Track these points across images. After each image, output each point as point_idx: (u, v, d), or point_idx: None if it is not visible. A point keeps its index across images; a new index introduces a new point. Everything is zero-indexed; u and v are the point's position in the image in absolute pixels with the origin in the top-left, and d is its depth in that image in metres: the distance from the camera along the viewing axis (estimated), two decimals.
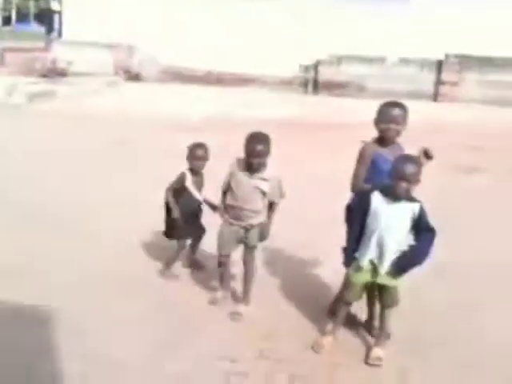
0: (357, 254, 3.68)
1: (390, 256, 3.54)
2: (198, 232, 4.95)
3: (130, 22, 17.40)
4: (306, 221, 6.18)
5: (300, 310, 4.33)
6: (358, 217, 3.66)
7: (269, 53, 17.21)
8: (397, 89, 16.28)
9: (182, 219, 4.65)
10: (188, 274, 4.89)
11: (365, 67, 16.87)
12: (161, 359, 3.62)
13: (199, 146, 4.69)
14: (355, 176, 3.83)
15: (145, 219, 5.71)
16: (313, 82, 17.25)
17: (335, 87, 17.02)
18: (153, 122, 11.72)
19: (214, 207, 4.64)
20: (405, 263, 3.55)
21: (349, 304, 3.84)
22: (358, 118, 13.08)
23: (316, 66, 17.21)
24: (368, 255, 3.60)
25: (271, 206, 4.21)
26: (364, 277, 3.67)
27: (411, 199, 3.51)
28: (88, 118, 11.91)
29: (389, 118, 3.76)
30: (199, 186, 4.80)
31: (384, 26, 15.72)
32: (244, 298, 4.37)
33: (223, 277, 4.45)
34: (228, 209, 4.22)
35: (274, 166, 4.17)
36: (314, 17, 16.77)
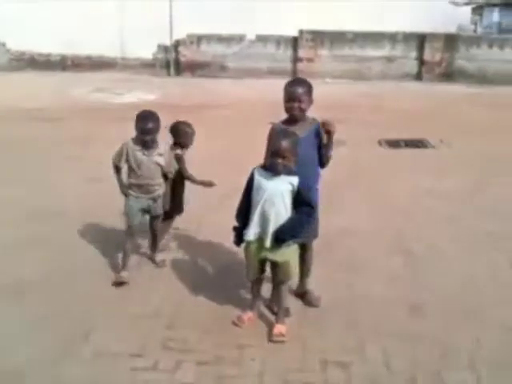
0: (245, 231, 3.77)
1: (273, 229, 3.66)
2: None
3: None
4: (204, 198, 6.18)
5: (201, 293, 4.35)
6: (244, 194, 3.80)
7: (127, 35, 16.76)
8: (257, 67, 16.64)
9: None
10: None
11: (224, 46, 16.98)
12: (60, 362, 3.49)
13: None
14: (266, 157, 3.88)
15: None
16: (174, 64, 17.03)
17: (197, 67, 16.97)
18: (7, 114, 10.96)
19: None
20: (281, 234, 3.67)
21: (251, 281, 3.95)
22: (220, 97, 13.35)
23: (176, 47, 17.01)
24: (252, 228, 3.72)
25: (166, 178, 4.61)
26: (254, 252, 3.78)
27: (290, 173, 3.65)
28: None
29: (290, 96, 3.86)
30: None
31: (242, 5, 15.86)
32: (154, 248, 4.88)
33: (127, 253, 4.65)
34: (131, 186, 4.51)
35: None
36: None
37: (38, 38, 16.19)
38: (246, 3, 15.57)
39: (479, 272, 4.85)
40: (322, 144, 3.94)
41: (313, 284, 4.35)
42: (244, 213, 3.79)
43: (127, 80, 15.44)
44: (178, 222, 5.26)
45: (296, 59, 16.97)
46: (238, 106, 12.07)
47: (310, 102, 3.95)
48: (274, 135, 3.71)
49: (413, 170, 7.85)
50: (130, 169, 4.46)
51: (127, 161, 4.43)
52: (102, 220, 5.74)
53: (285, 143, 3.57)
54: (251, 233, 3.73)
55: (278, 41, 16.92)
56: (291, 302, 4.16)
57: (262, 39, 16.91)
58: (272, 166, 3.63)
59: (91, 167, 7.39)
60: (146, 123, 4.30)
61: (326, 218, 5.53)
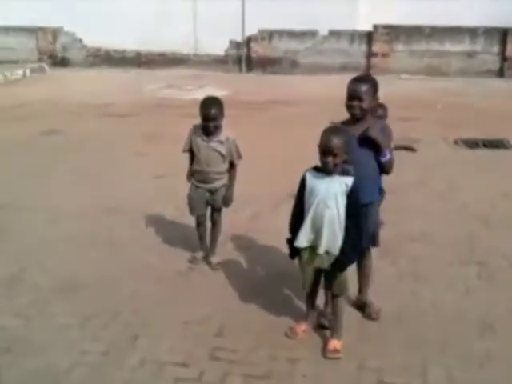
0: (297, 238, 3.52)
1: (326, 234, 3.39)
2: None
3: (53, 5, 16.52)
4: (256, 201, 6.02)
5: (254, 300, 4.14)
6: (297, 199, 3.57)
7: (200, 31, 16.78)
8: (329, 63, 16.25)
9: None
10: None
11: (296, 42, 16.67)
12: (104, 366, 3.38)
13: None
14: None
15: None
16: (246, 60, 16.89)
17: (268, 64, 16.76)
18: (82, 109, 11.17)
19: None
20: (338, 265, 3.45)
21: (307, 291, 3.71)
22: (291, 94, 13.08)
23: (247, 43, 16.86)
24: (304, 234, 3.47)
25: (231, 168, 4.56)
26: (307, 261, 3.52)
27: (346, 173, 3.39)
28: (11, 108, 11.24)
29: (351, 94, 3.63)
30: None
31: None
32: (211, 250, 4.79)
33: (202, 236, 4.81)
34: (194, 173, 4.57)
35: None
36: None
37: (114, 35, 16.43)
38: None
39: None
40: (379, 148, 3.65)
41: (374, 295, 4.05)
42: (297, 220, 3.54)
43: (199, 76, 15.44)
44: (230, 226, 5.08)
45: (370, 54, 16.43)
46: (308, 103, 11.76)
47: (372, 101, 3.66)
48: (323, 132, 3.45)
49: (491, 173, 7.32)
50: (194, 155, 4.52)
51: (191, 147, 4.51)
52: (163, 218, 5.65)
53: (333, 139, 3.31)
54: (303, 239, 3.49)
55: (352, 36, 16.40)
56: (349, 315, 3.88)
57: (334, 34, 16.45)
58: (323, 166, 3.38)
59: (158, 164, 7.37)
60: (208, 109, 4.33)
61: (393, 222, 5.22)
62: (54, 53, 17.83)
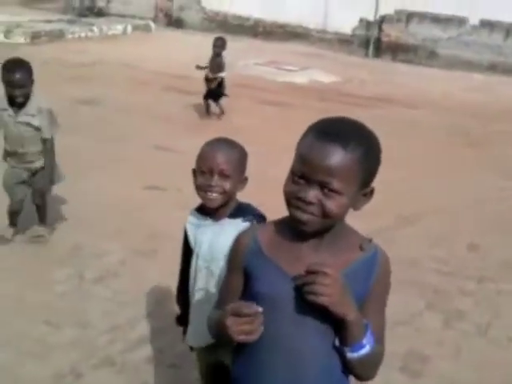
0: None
1: None
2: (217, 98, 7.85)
3: None
4: None
5: None
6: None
7: (330, 5, 14.68)
8: (476, 59, 13.45)
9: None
10: None
11: (438, 29, 13.94)
12: None
13: (218, 37, 7.98)
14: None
15: None
16: (375, 43, 14.49)
17: (401, 50, 14.26)
18: (153, 79, 9.72)
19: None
20: None
21: None
22: (418, 91, 10.71)
23: (380, 24, 14.41)
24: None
25: (45, 144, 4.06)
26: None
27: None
28: (77, 66, 10.04)
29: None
30: (218, 66, 7.67)
31: None
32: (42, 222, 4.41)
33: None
34: (9, 154, 4.12)
35: None
36: None
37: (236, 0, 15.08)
38: None
39: None
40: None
41: None
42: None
43: (313, 55, 13.39)
44: None
45: None
46: (433, 106, 9.41)
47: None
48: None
49: None
50: (4, 134, 4.06)
51: None
52: None
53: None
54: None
55: (508, 29, 13.38)
56: None
57: (487, 25, 13.50)
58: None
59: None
60: (13, 73, 3.76)
61: None
62: (170, 12, 16.59)
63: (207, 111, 7.92)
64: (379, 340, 1.57)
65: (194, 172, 2.16)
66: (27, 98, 3.86)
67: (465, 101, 9.98)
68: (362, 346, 1.49)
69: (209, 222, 2.17)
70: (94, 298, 3.79)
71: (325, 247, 1.54)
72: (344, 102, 8.70)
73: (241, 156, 2.16)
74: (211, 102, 7.87)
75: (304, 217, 1.45)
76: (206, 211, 2.18)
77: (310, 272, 1.42)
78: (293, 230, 1.53)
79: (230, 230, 1.95)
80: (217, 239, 2.10)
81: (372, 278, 1.53)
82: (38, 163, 4.11)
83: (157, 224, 4.71)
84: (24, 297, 3.71)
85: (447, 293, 4.09)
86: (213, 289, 2.12)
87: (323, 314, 1.45)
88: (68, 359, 3.15)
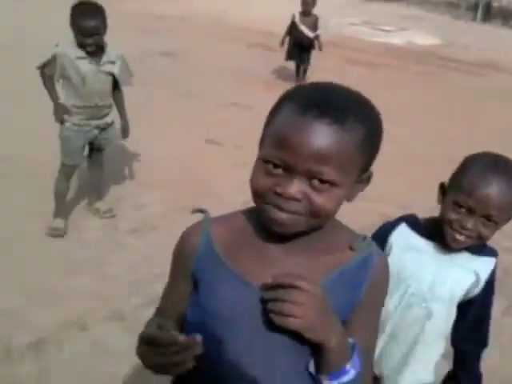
0: None
1: None
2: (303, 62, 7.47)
3: None
4: None
5: None
6: None
7: None
8: None
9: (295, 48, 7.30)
10: None
11: None
12: None
13: None
14: None
15: None
16: (484, 7, 13.31)
17: None
18: (240, 36, 9.36)
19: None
20: None
21: None
22: None
23: None
24: None
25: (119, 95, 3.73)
26: None
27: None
28: (182, 18, 9.90)
29: None
30: (310, 25, 7.27)
31: None
32: (98, 196, 4.02)
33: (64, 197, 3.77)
34: (76, 111, 3.53)
35: None
36: None
37: None
38: None
39: None
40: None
41: None
42: None
43: (416, 18, 12.48)
44: None
45: None
46: None
47: None
48: None
49: None
50: (69, 85, 3.47)
51: (62, 74, 3.44)
52: None
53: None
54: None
55: None
56: None
57: None
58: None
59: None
60: (87, 20, 3.29)
61: None
62: None
63: (297, 73, 7.57)
64: (367, 363, 1.15)
65: (443, 188, 1.66)
66: (99, 47, 3.45)
67: None
68: (345, 372, 1.08)
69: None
70: (121, 249, 3.60)
71: (301, 248, 1.13)
72: (443, 66, 7.98)
73: None
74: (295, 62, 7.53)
75: (283, 216, 1.04)
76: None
77: (278, 285, 1.01)
78: (260, 226, 1.12)
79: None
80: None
81: (363, 285, 1.13)
82: (110, 118, 3.71)
83: (209, 181, 4.47)
84: (49, 243, 3.57)
85: None
86: None
87: (296, 335, 1.04)
88: (77, 309, 2.97)
